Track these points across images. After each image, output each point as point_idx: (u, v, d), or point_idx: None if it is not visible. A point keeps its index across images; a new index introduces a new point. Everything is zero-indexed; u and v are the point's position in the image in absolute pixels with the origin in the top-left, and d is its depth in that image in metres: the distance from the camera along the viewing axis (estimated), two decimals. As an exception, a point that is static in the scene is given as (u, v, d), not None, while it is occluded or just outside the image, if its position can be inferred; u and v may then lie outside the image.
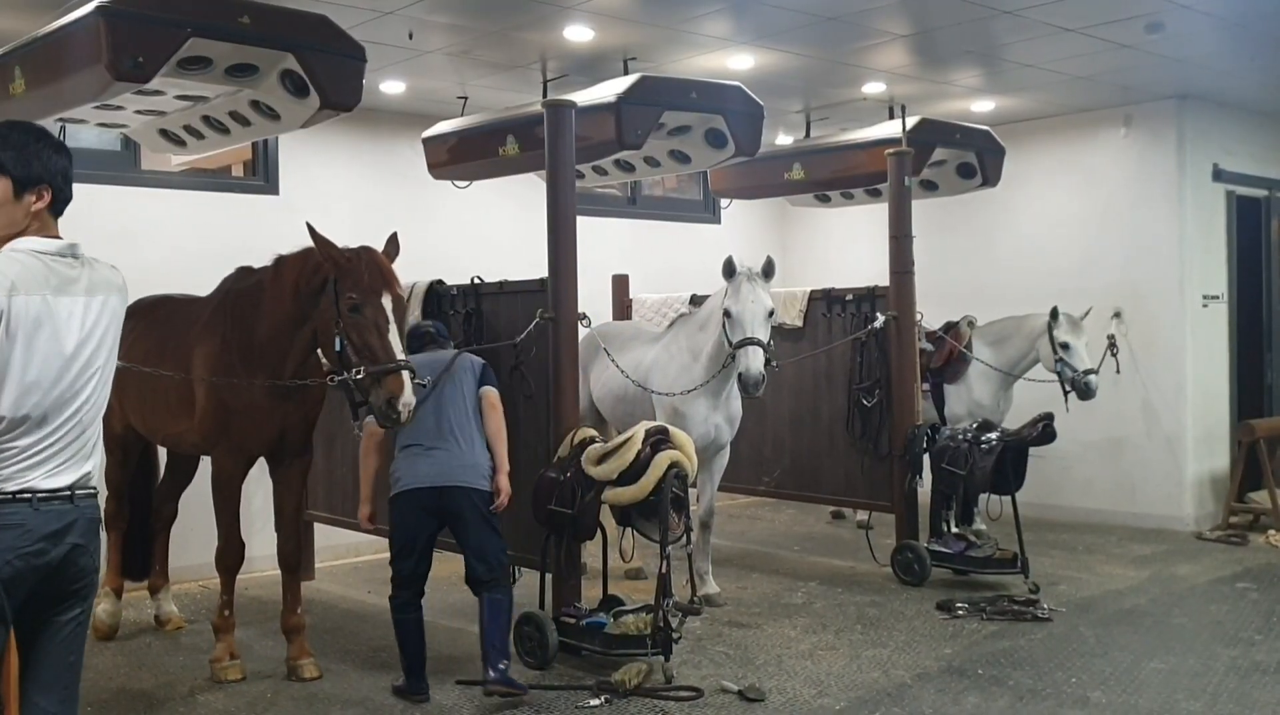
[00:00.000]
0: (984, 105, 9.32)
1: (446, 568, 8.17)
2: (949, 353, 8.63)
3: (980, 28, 7.05)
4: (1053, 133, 9.98)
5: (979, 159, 8.67)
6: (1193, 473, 9.37)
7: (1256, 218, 10.10)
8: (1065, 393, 8.33)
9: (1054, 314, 8.34)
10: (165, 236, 7.81)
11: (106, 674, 5.80)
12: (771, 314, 6.65)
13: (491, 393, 5.60)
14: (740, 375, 6.48)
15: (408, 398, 4.98)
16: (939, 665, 5.73)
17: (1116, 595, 7.16)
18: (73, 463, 2.91)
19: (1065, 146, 9.96)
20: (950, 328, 8.73)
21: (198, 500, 6.28)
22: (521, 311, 6.19)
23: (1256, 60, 8.11)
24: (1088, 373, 8.24)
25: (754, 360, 6.43)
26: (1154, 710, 5.07)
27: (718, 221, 11.19)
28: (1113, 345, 9.29)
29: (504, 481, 5.49)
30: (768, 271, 6.69)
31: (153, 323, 6.20)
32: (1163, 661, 5.77)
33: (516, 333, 6.14)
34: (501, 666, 5.24)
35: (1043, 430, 7.25)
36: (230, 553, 5.66)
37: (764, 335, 6.52)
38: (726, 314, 6.62)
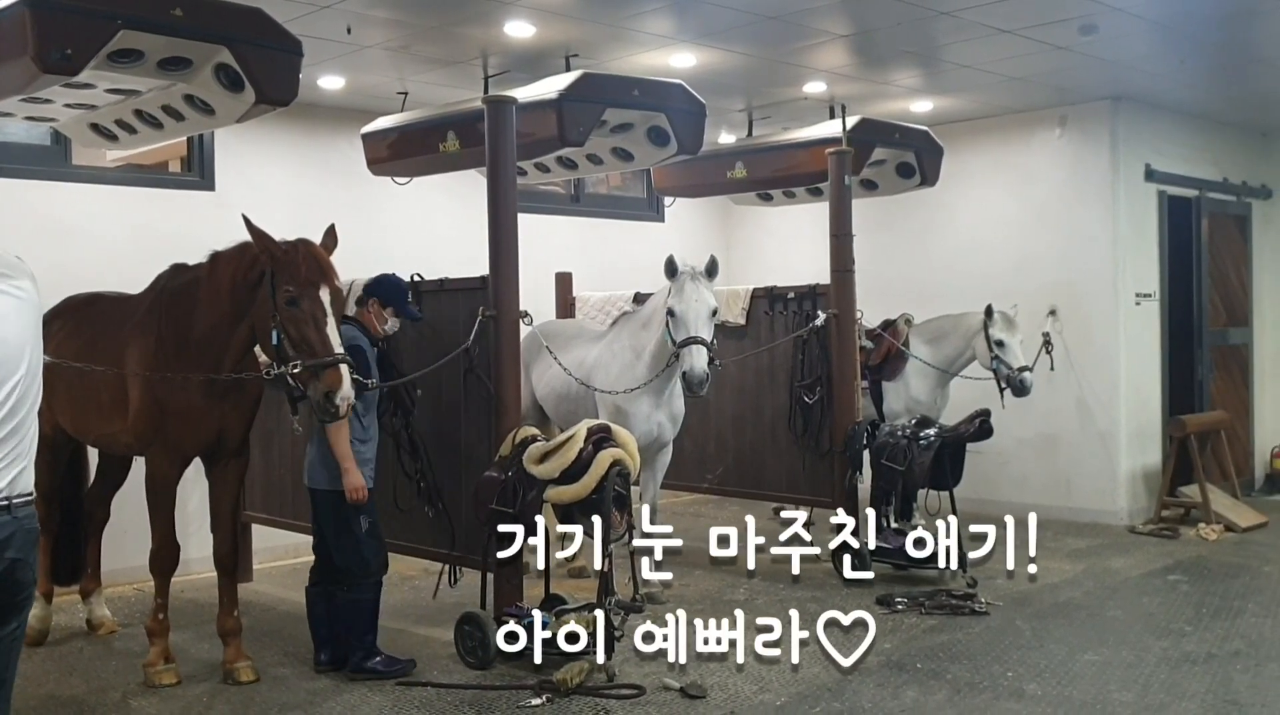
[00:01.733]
0: (923, 105, 9.43)
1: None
2: (887, 350, 8.71)
3: (918, 28, 7.12)
4: (990, 133, 10.12)
5: (918, 159, 8.76)
6: (1126, 468, 9.55)
7: (1187, 217, 10.32)
8: (1001, 390, 8.44)
9: (989, 312, 8.44)
10: (97, 233, 7.65)
11: (36, 680, 5.66)
12: (715, 313, 6.67)
13: None
14: (684, 374, 6.49)
15: (346, 391, 4.93)
16: (878, 660, 5.78)
17: (1052, 589, 7.28)
18: (7, 466, 2.78)
19: (1002, 147, 10.11)
20: (888, 325, 8.82)
21: (132, 501, 6.16)
22: (463, 309, 6.14)
23: (1186, 63, 8.29)
24: (1022, 370, 8.35)
25: (698, 359, 6.44)
26: (1087, 701, 5.16)
27: (661, 220, 11.20)
28: (1048, 342, 9.43)
29: (346, 480, 5.40)
30: (711, 270, 6.71)
31: (83, 321, 6.08)
32: (1096, 653, 5.88)
33: (458, 331, 6.09)
34: (358, 657, 5.57)
35: (980, 426, 7.36)
36: (165, 555, 5.55)
37: (707, 334, 6.54)
38: (670, 313, 6.62)
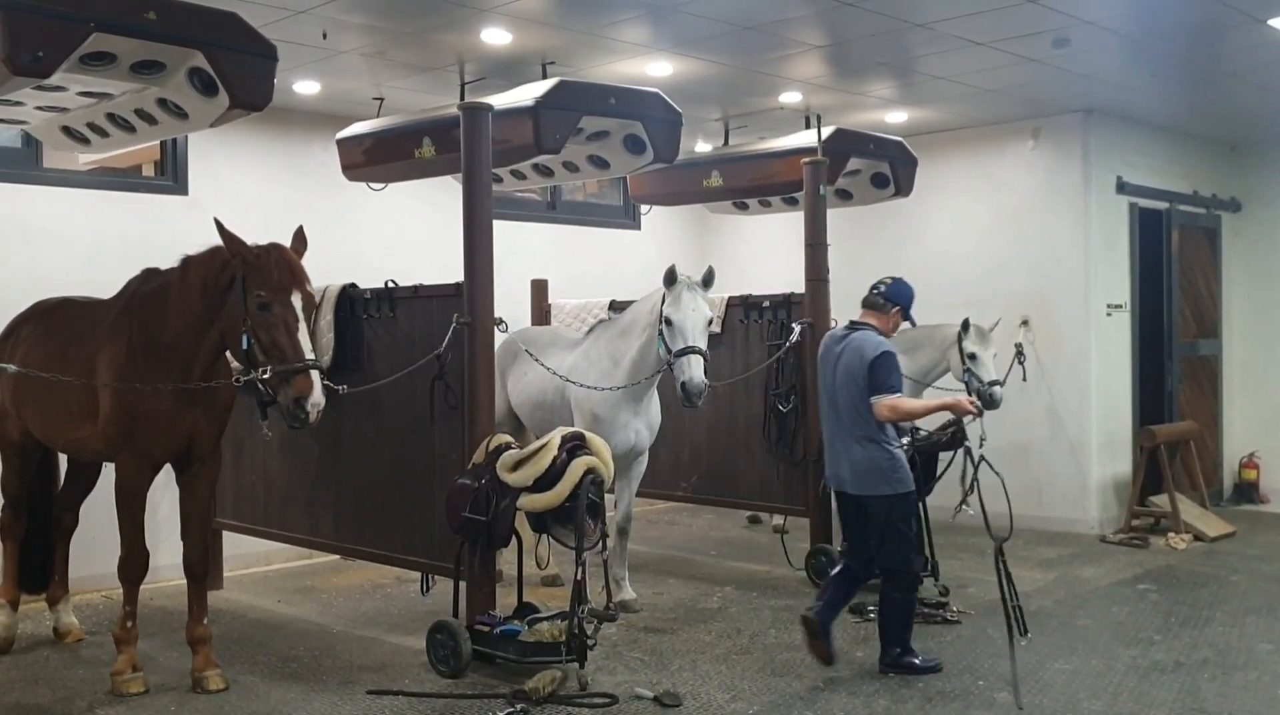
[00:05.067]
0: (897, 116, 9.48)
1: (359, 576, 8.10)
2: (860, 359, 8.73)
3: (893, 40, 7.16)
4: (963, 144, 10.19)
5: (892, 169, 8.81)
6: (1097, 477, 9.62)
7: (1158, 229, 10.43)
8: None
9: (965, 325, 8.49)
10: (68, 237, 7.59)
11: (1, 689, 5.59)
12: (710, 323, 6.67)
13: (878, 404, 5.58)
14: (684, 384, 6.46)
15: (316, 397, 4.89)
16: (851, 669, 5.79)
17: (1023, 597, 7.19)
18: None
19: (975, 158, 10.18)
20: (862, 334, 8.84)
21: (102, 507, 6.09)
22: (437, 316, 6.12)
23: (1157, 77, 8.38)
24: (992, 384, 8.40)
25: (696, 369, 6.44)
26: (1058, 710, 5.19)
27: (638, 227, 11.21)
28: (1020, 353, 9.50)
29: (955, 406, 5.80)
30: (707, 281, 6.72)
31: (54, 326, 6.03)
32: (1067, 662, 5.91)
33: (432, 337, 6.07)
34: (893, 654, 5.72)
35: (952, 435, 7.37)
36: (133, 562, 5.49)
37: (703, 344, 6.55)
38: (666, 322, 6.60)
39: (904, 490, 5.66)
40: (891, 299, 5.89)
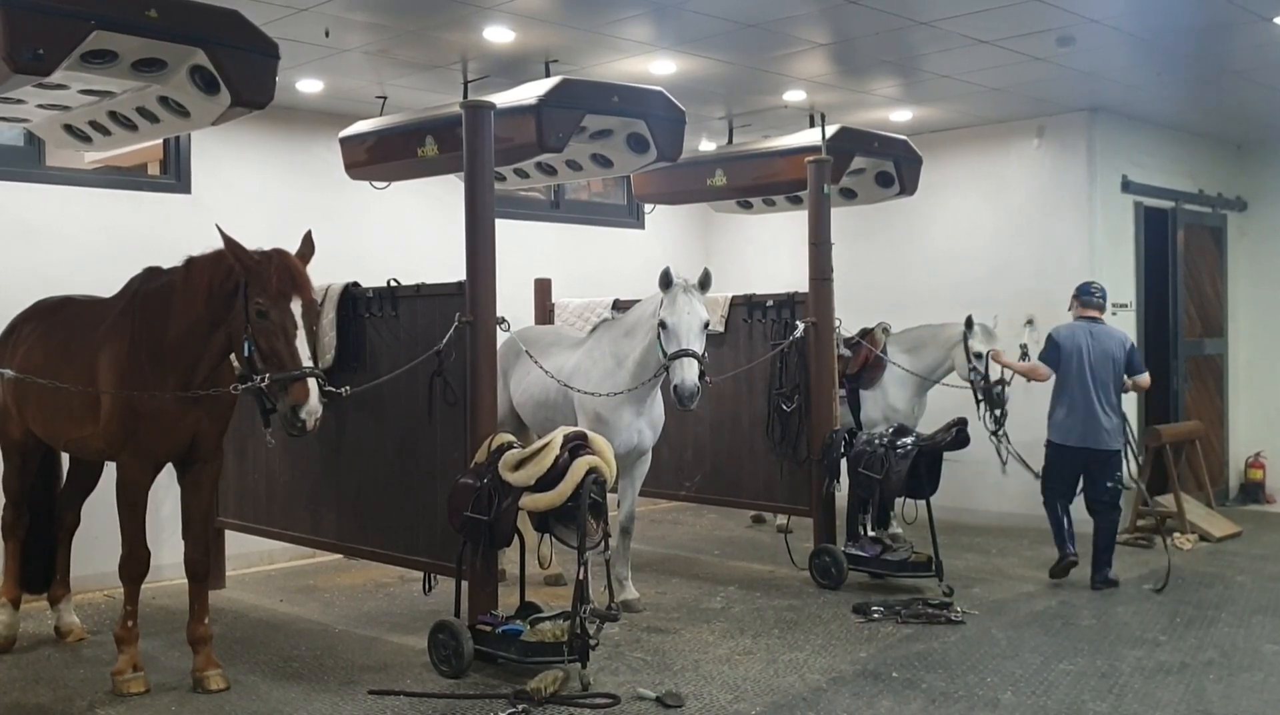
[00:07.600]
0: (902, 115, 9.45)
1: (361, 575, 8.09)
2: (864, 358, 8.73)
3: (898, 38, 7.14)
4: (968, 143, 10.17)
5: (897, 168, 8.79)
6: (1101, 477, 9.56)
7: (1163, 228, 10.39)
8: (978, 401, 8.46)
9: (969, 324, 8.47)
10: (70, 235, 7.58)
11: (1, 688, 5.58)
12: (706, 325, 6.65)
13: (1145, 378, 7.73)
14: (675, 388, 6.45)
15: (313, 406, 4.87)
16: (854, 669, 5.77)
17: (1028, 598, 7.29)
18: None
19: (980, 156, 10.15)
20: (866, 334, 8.83)
21: (104, 506, 6.08)
22: (439, 315, 6.10)
23: (1163, 75, 8.35)
24: (998, 383, 8.39)
25: (689, 372, 6.41)
26: (1062, 711, 5.16)
27: (641, 226, 11.19)
28: (1024, 352, 9.45)
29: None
30: (704, 283, 6.70)
31: (55, 325, 6.01)
32: (1071, 663, 5.89)
33: (433, 336, 6.06)
34: (1105, 573, 7.53)
35: (956, 435, 7.36)
36: (135, 562, 5.48)
37: (699, 347, 6.53)
38: (662, 325, 6.58)
39: (1120, 446, 7.53)
40: (1106, 300, 7.84)
